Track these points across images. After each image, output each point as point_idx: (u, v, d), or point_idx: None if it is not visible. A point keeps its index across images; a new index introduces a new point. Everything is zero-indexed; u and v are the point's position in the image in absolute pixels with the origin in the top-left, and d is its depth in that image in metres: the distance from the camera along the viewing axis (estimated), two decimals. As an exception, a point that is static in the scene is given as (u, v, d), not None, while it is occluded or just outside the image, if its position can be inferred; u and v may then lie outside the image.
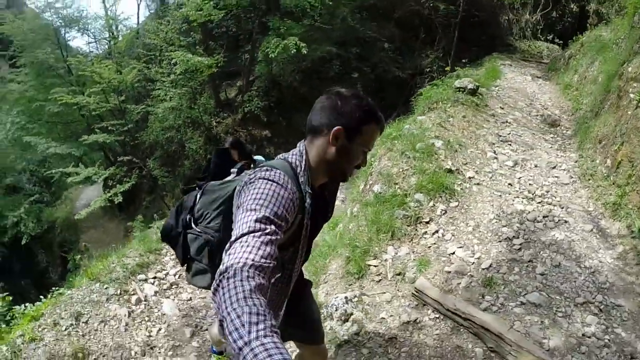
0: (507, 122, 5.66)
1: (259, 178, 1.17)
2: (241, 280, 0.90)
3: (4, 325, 3.15)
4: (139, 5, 13.35)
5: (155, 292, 3.95)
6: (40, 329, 2.92)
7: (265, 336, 0.80)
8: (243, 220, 1.06)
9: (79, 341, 2.93)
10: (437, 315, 2.67)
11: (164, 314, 3.61)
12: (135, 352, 3.02)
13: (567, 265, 3.07)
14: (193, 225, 1.50)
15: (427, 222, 3.62)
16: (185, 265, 1.57)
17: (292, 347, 2.24)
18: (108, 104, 10.82)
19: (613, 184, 3.83)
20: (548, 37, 11.33)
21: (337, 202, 4.96)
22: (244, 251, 0.98)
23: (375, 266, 3.26)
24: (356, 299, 2.83)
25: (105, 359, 2.89)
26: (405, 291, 2.93)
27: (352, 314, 2.72)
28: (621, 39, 5.56)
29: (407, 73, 11.53)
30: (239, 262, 0.95)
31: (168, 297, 3.91)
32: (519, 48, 11.02)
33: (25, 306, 3.35)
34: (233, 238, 1.03)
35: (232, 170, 1.59)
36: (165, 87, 10.66)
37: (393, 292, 2.96)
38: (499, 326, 2.41)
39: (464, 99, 5.84)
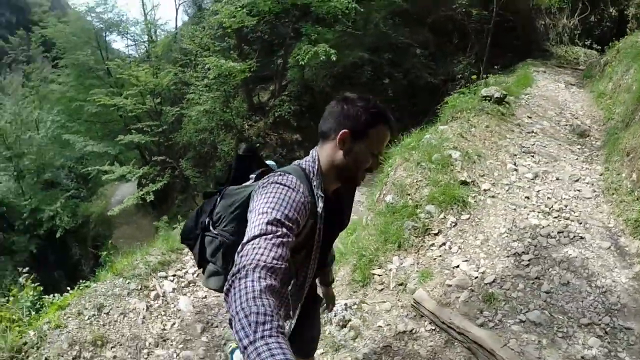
0: (532, 132, 5.50)
1: (272, 182, 1.20)
2: (252, 281, 0.92)
3: (33, 313, 3.45)
4: (177, 10, 13.93)
5: (174, 289, 4.17)
6: (65, 317, 3.19)
7: (270, 336, 0.81)
8: (255, 223, 1.08)
9: (99, 330, 3.17)
10: (434, 328, 2.69)
11: (179, 310, 3.82)
12: (149, 343, 3.22)
13: (577, 284, 2.98)
14: (211, 228, 1.52)
15: (436, 234, 3.62)
16: (202, 267, 1.60)
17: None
18: (144, 106, 11.37)
19: (637, 199, 3.67)
20: (586, 43, 10.80)
21: (361, 209, 5.03)
22: (256, 253, 1.00)
23: (379, 275, 3.31)
24: (355, 306, 2.90)
25: (122, 347, 3.11)
26: (405, 301, 2.96)
27: (350, 320, 2.80)
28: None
29: (439, 79, 11.38)
30: (250, 263, 0.97)
31: (185, 294, 4.12)
32: (555, 54, 10.58)
33: (53, 296, 3.66)
34: (245, 240, 1.05)
35: (251, 175, 1.63)
36: (199, 91, 11.10)
37: (393, 302, 3.00)
38: (493, 343, 2.39)
39: (489, 108, 5.73)
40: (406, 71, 11.52)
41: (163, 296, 3.98)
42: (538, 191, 4.23)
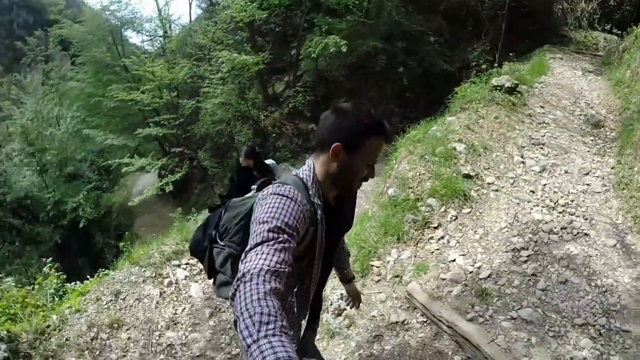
0: (544, 122, 5.41)
1: (271, 194, 1.23)
2: (257, 284, 0.95)
3: (57, 300, 3.74)
4: (190, 5, 14.11)
5: (186, 277, 4.40)
6: (84, 303, 3.45)
7: (273, 335, 0.83)
8: (257, 232, 1.12)
9: (115, 314, 3.41)
10: (425, 320, 2.77)
11: (190, 296, 4.04)
12: (161, 326, 3.45)
13: (575, 282, 2.93)
14: (218, 240, 1.57)
15: (436, 228, 3.68)
16: (212, 277, 1.66)
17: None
18: (161, 100, 11.65)
19: (649, 195, 3.60)
20: (606, 27, 10.32)
21: (365, 204, 5.09)
22: (259, 258, 1.03)
23: (377, 267, 3.40)
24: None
25: (136, 329, 3.34)
26: (399, 293, 3.06)
27: (345, 309, 2.92)
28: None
29: (455, 66, 11.20)
30: (255, 268, 1.00)
31: (196, 282, 4.34)
32: (574, 39, 10.18)
33: (75, 284, 3.94)
34: (248, 248, 1.09)
35: (252, 187, 1.69)
36: (213, 84, 11.29)
37: (388, 293, 3.10)
38: (480, 337, 2.43)
39: (500, 98, 5.67)
40: (421, 59, 11.38)
41: (176, 283, 4.21)
42: (544, 185, 4.20)
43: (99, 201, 14.42)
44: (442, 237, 3.53)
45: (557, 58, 8.27)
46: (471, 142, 4.61)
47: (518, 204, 3.90)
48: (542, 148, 4.81)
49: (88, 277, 4.05)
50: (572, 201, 3.92)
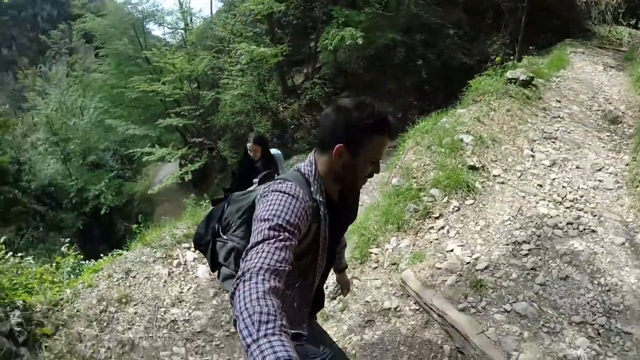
0: (558, 117, 5.29)
1: (272, 191, 1.22)
2: (256, 283, 0.96)
3: (73, 277, 3.96)
4: (211, -3, 14.50)
5: (194, 259, 4.56)
6: (97, 279, 3.65)
7: (273, 334, 0.83)
8: (257, 230, 1.12)
9: (124, 290, 3.60)
10: (417, 307, 2.81)
11: (197, 277, 4.20)
12: (167, 303, 3.61)
13: (577, 279, 2.85)
14: (221, 234, 1.57)
15: (437, 218, 3.69)
16: (216, 270, 1.64)
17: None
18: (182, 91, 11.93)
19: (663, 193, 3.49)
20: (631, 22, 9.85)
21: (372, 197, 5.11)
22: (260, 257, 1.04)
23: (375, 254, 3.45)
24: (347, 281, 3.07)
25: (143, 305, 3.51)
26: (395, 280, 3.10)
27: (340, 293, 2.98)
28: None
29: (474, 59, 11.00)
30: (254, 266, 1.00)
31: (204, 264, 4.48)
32: (597, 33, 9.80)
33: (88, 261, 4.16)
34: (249, 246, 1.09)
35: (254, 180, 1.69)
36: (232, 76, 11.45)
37: (384, 280, 3.15)
38: (469, 328, 2.42)
39: (514, 91, 5.57)
40: (440, 52, 11.23)
41: (184, 264, 4.38)
42: (553, 179, 4.12)
43: (120, 189, 14.95)
44: (442, 227, 3.54)
45: (579, 52, 8.01)
46: (479, 134, 4.56)
47: (524, 197, 3.86)
48: (553, 142, 4.71)
49: (102, 255, 4.26)
50: (581, 197, 3.84)
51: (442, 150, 4.30)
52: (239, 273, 1.01)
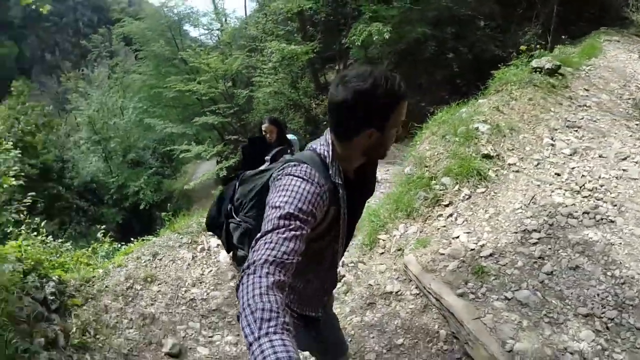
0: (585, 105, 5.08)
1: (285, 174, 1.18)
2: (260, 277, 0.94)
3: (106, 260, 4.36)
4: (245, -2, 14.90)
5: (218, 245, 4.81)
6: (126, 260, 4.00)
7: (275, 333, 0.82)
8: (268, 218, 1.09)
9: (151, 271, 3.92)
10: (418, 292, 2.86)
11: (218, 261, 4.46)
12: (188, 283, 3.90)
13: (588, 270, 2.73)
14: (234, 215, 1.52)
15: (446, 205, 3.70)
16: (231, 252, 1.62)
17: None
18: (217, 90, 12.39)
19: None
20: None
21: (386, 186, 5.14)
22: (267, 248, 1.01)
23: (383, 240, 3.54)
24: (352, 264, 3.19)
25: (166, 285, 3.81)
26: (399, 265, 3.17)
27: (344, 276, 3.10)
28: None
29: (507, 51, 10.63)
30: (260, 259, 0.98)
31: (226, 250, 4.77)
32: (636, 21, 9.17)
33: (121, 245, 4.54)
34: (258, 235, 1.06)
35: (265, 157, 1.63)
36: (264, 74, 11.77)
37: (389, 265, 3.23)
38: (465, 313, 2.40)
39: (538, 80, 5.41)
40: (471, 44, 10.97)
41: (208, 250, 4.66)
42: (572, 168, 4.00)
43: (159, 186, 15.70)
44: (451, 215, 3.55)
45: (614, 41, 7.58)
46: (496, 122, 4.50)
47: (539, 186, 3.77)
48: (576, 131, 4.55)
49: (132, 238, 4.62)
50: (602, 186, 3.69)
51: (456, 140, 4.29)
52: (245, 265, 1.00)
